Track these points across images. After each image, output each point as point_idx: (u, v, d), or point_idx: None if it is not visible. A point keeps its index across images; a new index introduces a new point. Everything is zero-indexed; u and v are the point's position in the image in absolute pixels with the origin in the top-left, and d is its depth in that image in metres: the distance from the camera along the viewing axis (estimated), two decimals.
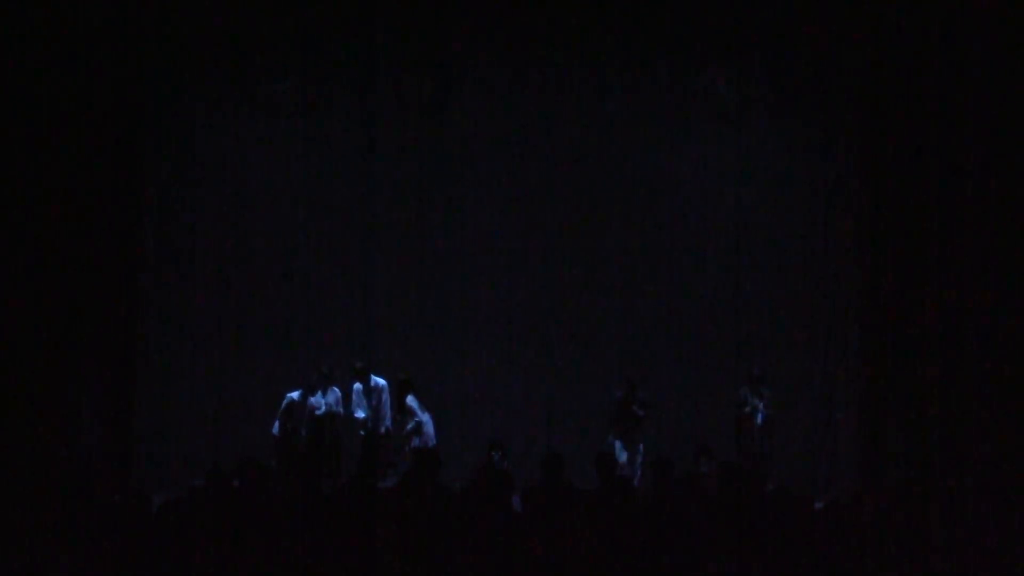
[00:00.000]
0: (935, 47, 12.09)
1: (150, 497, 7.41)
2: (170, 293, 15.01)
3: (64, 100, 12.47)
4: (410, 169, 15.33)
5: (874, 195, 13.87)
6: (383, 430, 13.85)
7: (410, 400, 13.58)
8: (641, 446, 13.46)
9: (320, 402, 13.94)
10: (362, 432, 13.84)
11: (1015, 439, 10.71)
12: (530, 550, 7.06)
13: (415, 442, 13.33)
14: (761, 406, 13.58)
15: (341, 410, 14.03)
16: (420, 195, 15.35)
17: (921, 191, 12.37)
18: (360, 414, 13.89)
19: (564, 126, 15.29)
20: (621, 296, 15.31)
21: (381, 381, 13.99)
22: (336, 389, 14.06)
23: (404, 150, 15.31)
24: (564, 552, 7.05)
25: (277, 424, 13.77)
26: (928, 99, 12.27)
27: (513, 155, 15.31)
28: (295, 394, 13.85)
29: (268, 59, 15.13)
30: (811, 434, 14.66)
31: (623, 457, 13.35)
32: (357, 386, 13.99)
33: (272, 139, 15.28)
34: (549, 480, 7.71)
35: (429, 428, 13.54)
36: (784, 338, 15.03)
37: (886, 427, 13.00)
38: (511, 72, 15.28)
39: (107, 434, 13.62)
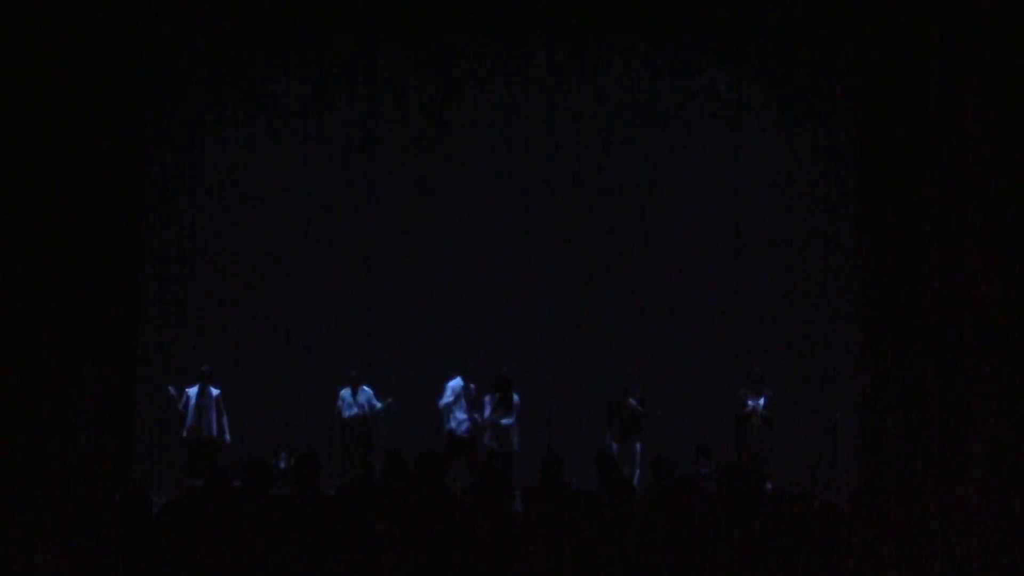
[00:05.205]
0: (935, 47, 12.09)
1: (150, 497, 7.40)
2: (170, 292, 15.02)
3: (65, 100, 12.46)
4: (410, 169, 15.35)
5: (874, 195, 13.87)
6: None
7: (516, 398, 13.33)
8: (638, 445, 13.45)
9: (350, 401, 13.93)
10: (465, 429, 13.28)
11: (1015, 439, 10.70)
12: (530, 550, 7.06)
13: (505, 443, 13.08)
14: (761, 406, 13.57)
15: (377, 404, 13.95)
16: (420, 195, 15.37)
17: (921, 191, 12.36)
18: (461, 415, 13.35)
19: (564, 126, 15.32)
20: (621, 296, 15.33)
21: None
22: (367, 388, 14.04)
23: (404, 150, 15.32)
24: (564, 552, 7.05)
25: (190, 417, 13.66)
26: (928, 99, 12.26)
27: (513, 155, 15.34)
28: (192, 390, 13.69)
29: (269, 59, 15.16)
30: (811, 434, 14.67)
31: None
32: (456, 383, 13.44)
33: (272, 139, 15.31)
34: (548, 480, 7.71)
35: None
36: (784, 338, 15.05)
37: (886, 427, 13.00)
38: (511, 72, 15.30)
39: (107, 434, 13.62)
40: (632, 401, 13.49)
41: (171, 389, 13.56)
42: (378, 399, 14.04)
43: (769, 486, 11.83)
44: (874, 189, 13.81)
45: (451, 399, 13.29)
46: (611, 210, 15.36)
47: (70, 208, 12.61)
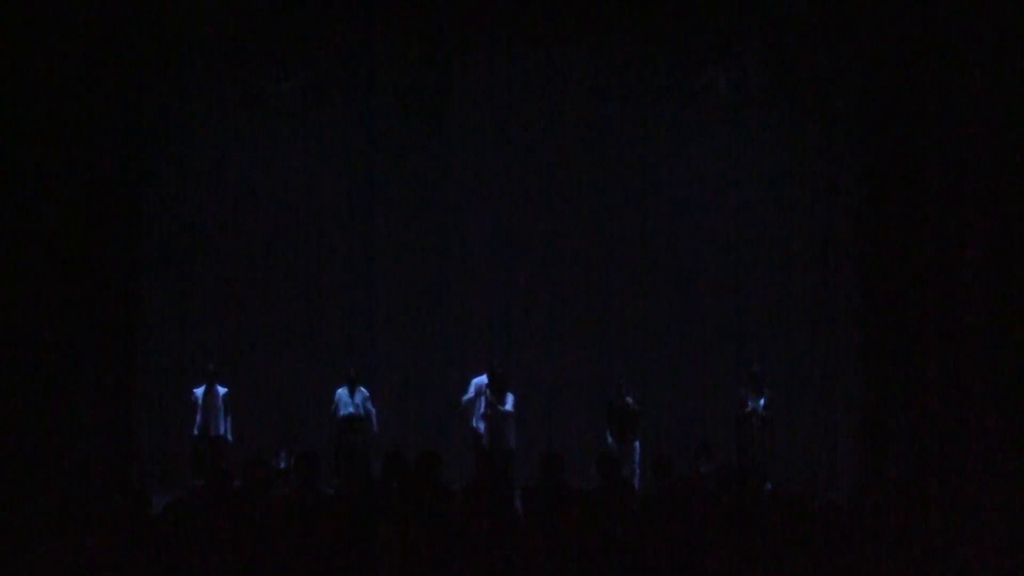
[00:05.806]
0: (935, 47, 12.09)
1: (150, 497, 7.40)
2: (170, 293, 15.03)
3: (65, 100, 12.46)
4: (410, 169, 15.35)
5: (874, 195, 13.87)
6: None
7: (512, 397, 13.30)
8: (637, 444, 13.45)
9: (347, 401, 13.92)
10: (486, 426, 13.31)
11: (1015, 439, 10.71)
12: (530, 550, 7.06)
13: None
14: (761, 406, 13.56)
15: (372, 408, 13.97)
16: (420, 195, 15.37)
17: (921, 191, 12.37)
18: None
19: (564, 126, 15.31)
20: (621, 296, 15.33)
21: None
22: (364, 389, 14.03)
23: (404, 150, 15.32)
24: (564, 552, 7.05)
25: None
26: (928, 98, 12.26)
27: (513, 155, 15.33)
28: (199, 390, 13.82)
29: (269, 59, 15.16)
30: (811, 434, 14.67)
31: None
32: (482, 379, 13.42)
33: (273, 138, 15.30)
34: (549, 480, 7.71)
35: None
36: (784, 338, 15.03)
37: (886, 427, 13.00)
38: (511, 72, 15.30)
39: (107, 434, 13.62)
40: (628, 400, 13.49)
41: (192, 395, 13.79)
42: (373, 405, 14.04)
43: (769, 486, 11.85)
44: (874, 188, 13.80)
45: (472, 395, 13.37)
46: (611, 210, 15.35)
47: (70, 208, 12.61)
